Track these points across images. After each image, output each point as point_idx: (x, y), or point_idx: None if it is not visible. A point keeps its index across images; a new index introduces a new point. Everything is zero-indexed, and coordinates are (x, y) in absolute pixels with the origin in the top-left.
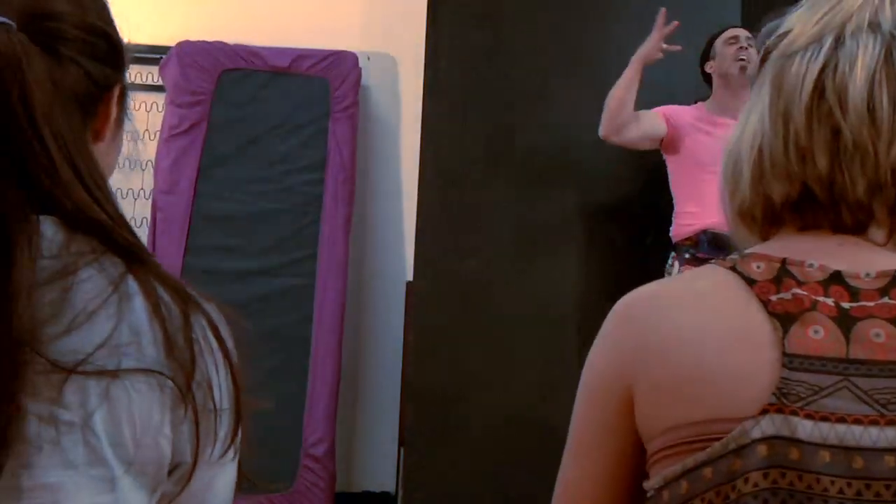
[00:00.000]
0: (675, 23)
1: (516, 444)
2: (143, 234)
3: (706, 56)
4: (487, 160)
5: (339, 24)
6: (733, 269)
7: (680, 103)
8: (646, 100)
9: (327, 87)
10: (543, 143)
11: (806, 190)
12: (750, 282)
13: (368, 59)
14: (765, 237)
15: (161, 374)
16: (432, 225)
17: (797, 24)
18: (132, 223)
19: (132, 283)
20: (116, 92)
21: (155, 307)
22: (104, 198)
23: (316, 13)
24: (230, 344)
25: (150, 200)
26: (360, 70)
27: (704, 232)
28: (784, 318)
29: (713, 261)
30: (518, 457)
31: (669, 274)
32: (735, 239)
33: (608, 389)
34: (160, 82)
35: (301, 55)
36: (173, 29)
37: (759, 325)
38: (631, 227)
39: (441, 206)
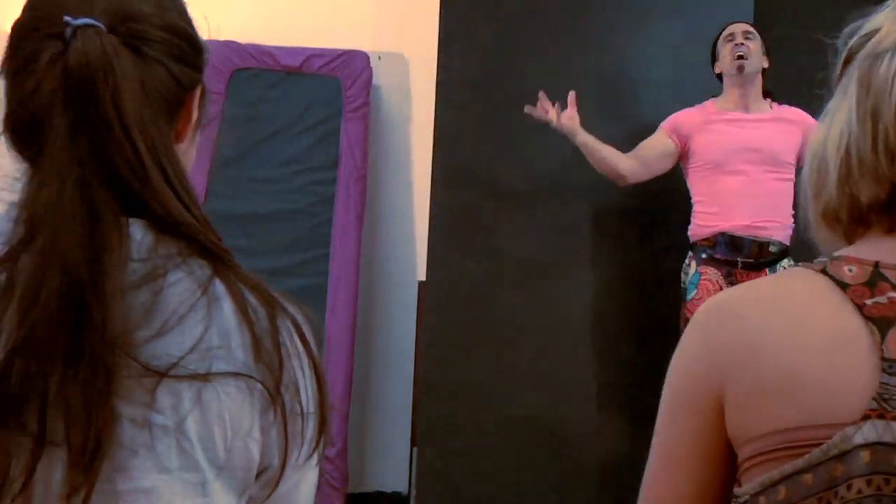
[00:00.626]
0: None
1: (529, 444)
2: None
3: (714, 58)
4: (500, 160)
5: (349, 24)
6: (823, 272)
7: (687, 102)
8: (654, 100)
9: (339, 86)
10: (556, 143)
11: (895, 190)
12: (842, 286)
13: (379, 58)
14: (850, 239)
15: (250, 377)
16: (444, 225)
17: (884, 24)
18: None
19: (219, 286)
20: (198, 93)
21: (243, 310)
22: (191, 200)
23: (327, 13)
24: (314, 346)
25: None
26: (371, 69)
27: (722, 234)
28: (881, 323)
29: (800, 264)
30: (530, 457)
31: (686, 274)
32: (817, 241)
33: (697, 396)
34: None
35: (313, 55)
36: None
37: (854, 329)
38: (642, 228)
39: (453, 207)
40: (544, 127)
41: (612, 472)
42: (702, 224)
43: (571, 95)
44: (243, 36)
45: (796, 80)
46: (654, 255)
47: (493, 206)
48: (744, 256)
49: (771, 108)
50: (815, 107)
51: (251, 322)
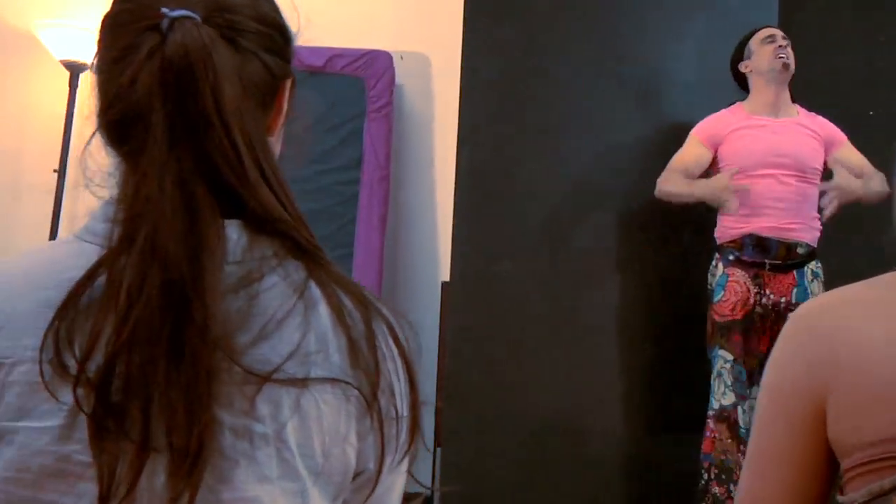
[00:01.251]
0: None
1: (553, 444)
2: None
3: (739, 56)
4: (524, 160)
5: (372, 24)
6: None
7: (712, 101)
8: (679, 99)
9: (363, 86)
10: (580, 143)
11: None
12: None
13: (402, 58)
14: None
15: (347, 383)
16: (468, 225)
17: None
18: None
19: (315, 290)
20: (288, 84)
21: (339, 314)
22: (285, 196)
23: (350, 12)
24: (408, 349)
25: None
26: (394, 69)
27: (749, 235)
28: None
29: None
30: (554, 457)
31: (713, 276)
32: None
33: (796, 403)
34: None
35: (336, 54)
36: None
37: None
38: (667, 229)
39: (477, 207)
40: (569, 126)
41: (636, 473)
42: (729, 226)
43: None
44: None
45: (818, 78)
46: (679, 256)
47: (517, 207)
48: (771, 258)
49: (797, 113)
50: (833, 104)
51: (347, 326)
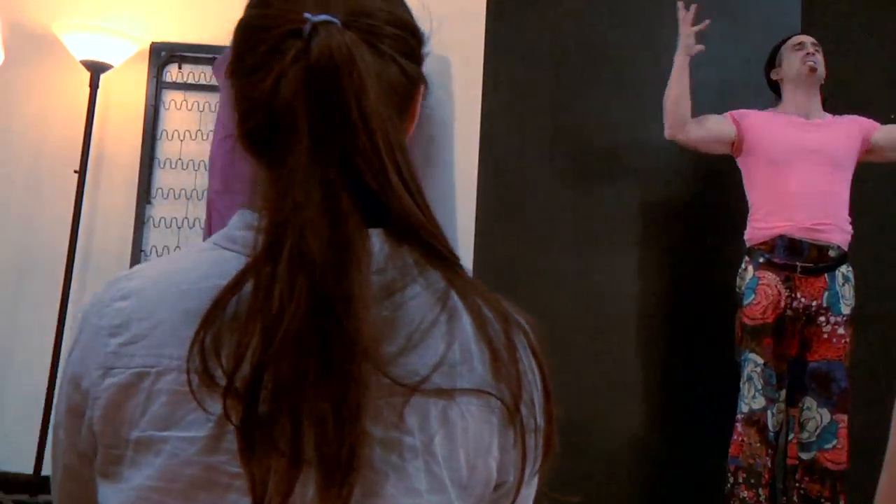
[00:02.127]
0: (695, 6)
1: (577, 442)
2: (197, 236)
3: (771, 64)
4: (546, 159)
5: None
6: None
7: (731, 104)
8: (698, 101)
9: None
10: (603, 141)
11: None
12: None
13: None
14: None
15: (491, 394)
16: (491, 224)
17: None
18: (184, 224)
19: (457, 300)
20: (422, 89)
21: (481, 325)
22: (424, 203)
23: None
24: (544, 359)
25: (202, 201)
26: None
27: (781, 237)
28: None
29: None
30: (579, 455)
31: (742, 279)
32: None
33: None
34: (213, 82)
35: None
36: (227, 28)
37: None
38: (691, 228)
39: (500, 206)
40: (591, 124)
41: (655, 473)
42: (760, 227)
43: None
44: None
45: (839, 82)
46: (703, 253)
47: (540, 206)
48: (803, 261)
49: (829, 117)
50: (854, 107)
51: (489, 337)
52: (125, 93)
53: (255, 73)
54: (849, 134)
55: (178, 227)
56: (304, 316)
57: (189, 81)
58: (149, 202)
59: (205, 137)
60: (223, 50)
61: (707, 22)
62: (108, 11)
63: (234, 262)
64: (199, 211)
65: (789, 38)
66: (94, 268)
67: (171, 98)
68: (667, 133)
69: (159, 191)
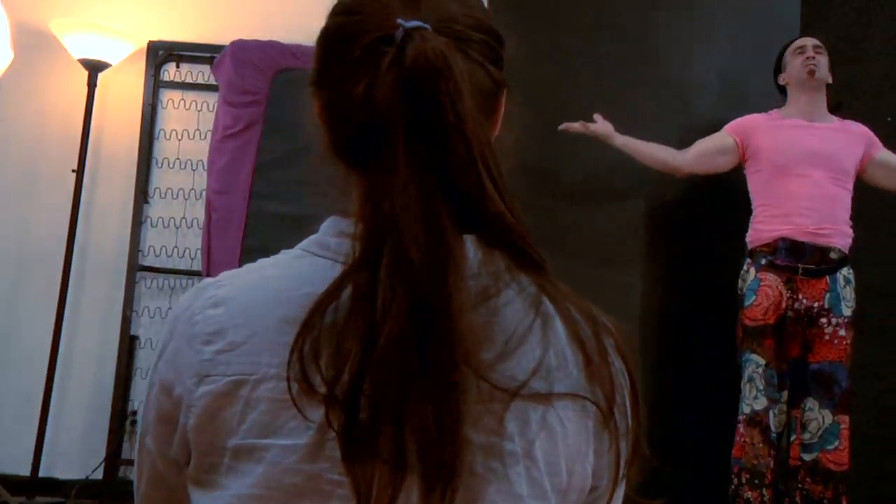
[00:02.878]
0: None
1: None
2: (195, 236)
3: (778, 69)
4: (549, 168)
5: None
6: None
7: (733, 107)
8: (700, 103)
9: None
10: (606, 149)
11: None
12: None
13: None
14: None
15: (587, 399)
16: None
17: None
18: (182, 223)
19: (549, 305)
20: (504, 92)
21: (573, 330)
22: (514, 208)
23: None
24: (632, 364)
25: (200, 201)
26: None
27: (783, 239)
28: None
29: None
30: None
31: (744, 281)
32: None
33: None
34: (212, 81)
35: None
36: (226, 27)
37: None
38: (699, 236)
39: None
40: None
41: (659, 475)
42: (762, 228)
43: (598, 116)
44: (285, 36)
45: (838, 84)
46: (712, 261)
47: (543, 216)
48: (805, 263)
49: (836, 120)
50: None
51: (582, 342)
52: (123, 92)
53: (346, 80)
54: (853, 141)
55: (177, 227)
56: (405, 322)
57: (187, 80)
58: (146, 202)
59: (203, 137)
60: (221, 49)
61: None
62: (106, 10)
63: (328, 270)
64: (198, 211)
65: (793, 41)
66: (91, 267)
67: (169, 97)
68: (677, 176)
69: (157, 190)
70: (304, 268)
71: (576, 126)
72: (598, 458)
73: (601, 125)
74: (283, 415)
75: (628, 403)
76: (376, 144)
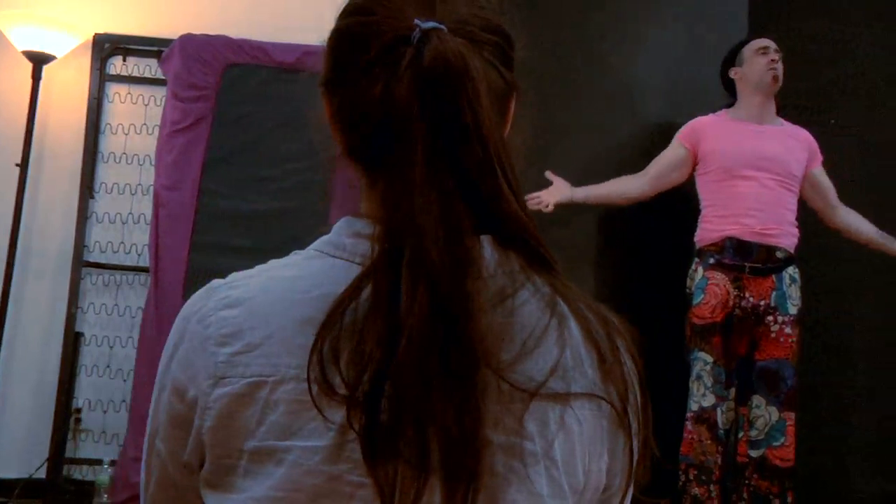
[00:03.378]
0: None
1: None
2: (142, 232)
3: (730, 62)
4: None
5: None
6: None
7: (684, 109)
8: (651, 105)
9: None
10: (560, 147)
11: None
12: None
13: None
14: None
15: (602, 398)
16: None
17: None
18: (129, 219)
19: (563, 305)
20: (515, 94)
21: (587, 330)
22: (527, 210)
23: (321, 9)
24: (642, 365)
25: (148, 196)
26: None
27: (730, 239)
28: None
29: None
30: None
31: (692, 280)
32: None
33: None
34: (159, 75)
35: (307, 51)
36: (173, 21)
37: None
38: (648, 234)
39: None
40: (548, 131)
41: None
42: (710, 228)
43: (548, 174)
44: (234, 31)
45: (785, 87)
46: (661, 258)
47: None
48: (752, 261)
49: (782, 124)
50: (796, 114)
51: (596, 342)
52: (68, 85)
53: (362, 81)
54: (800, 147)
55: (123, 223)
56: (426, 324)
57: (134, 74)
58: (92, 197)
59: (150, 132)
60: (169, 43)
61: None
62: (51, 2)
63: (345, 270)
64: (145, 206)
65: (753, 38)
66: (35, 263)
67: (116, 91)
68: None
69: (103, 185)
70: (320, 268)
71: (537, 204)
72: (611, 458)
73: (556, 190)
74: (303, 416)
75: (639, 403)
76: (393, 145)
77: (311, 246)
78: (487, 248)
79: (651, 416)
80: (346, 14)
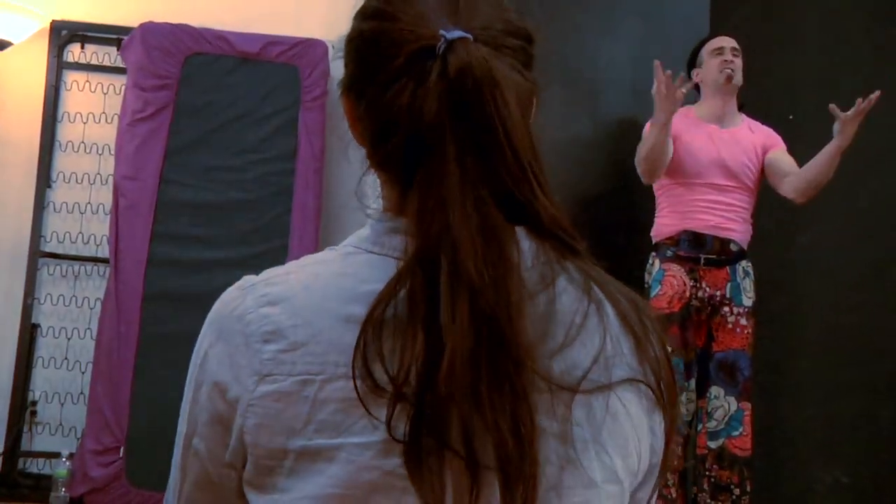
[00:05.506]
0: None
1: None
2: (101, 222)
3: (692, 63)
4: None
5: (307, 11)
6: None
7: (644, 104)
8: (611, 100)
9: (297, 75)
10: None
11: None
12: None
13: (333, 47)
14: None
15: (641, 381)
16: None
17: None
18: (87, 209)
19: (597, 290)
20: (536, 95)
21: (623, 314)
22: (561, 209)
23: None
24: (667, 346)
25: (106, 186)
26: (328, 59)
27: (685, 231)
28: None
29: None
30: None
31: (650, 273)
32: None
33: None
34: (119, 63)
35: (270, 41)
36: (135, 9)
37: None
38: (602, 229)
39: None
40: None
41: None
42: (666, 224)
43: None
44: (196, 19)
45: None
46: (616, 253)
47: None
48: (706, 253)
49: (742, 121)
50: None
51: (631, 324)
52: (24, 72)
53: (389, 89)
54: (755, 148)
55: (81, 213)
56: (470, 332)
57: (92, 62)
58: (49, 186)
59: (109, 121)
60: (128, 31)
61: (690, 83)
62: None
63: (386, 267)
64: (103, 196)
65: (709, 38)
66: None
67: (73, 79)
68: (645, 181)
69: (60, 175)
70: (362, 265)
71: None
72: (652, 437)
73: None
74: (353, 414)
75: (669, 381)
76: (424, 157)
77: (346, 242)
78: (525, 241)
79: (677, 396)
80: (366, 16)
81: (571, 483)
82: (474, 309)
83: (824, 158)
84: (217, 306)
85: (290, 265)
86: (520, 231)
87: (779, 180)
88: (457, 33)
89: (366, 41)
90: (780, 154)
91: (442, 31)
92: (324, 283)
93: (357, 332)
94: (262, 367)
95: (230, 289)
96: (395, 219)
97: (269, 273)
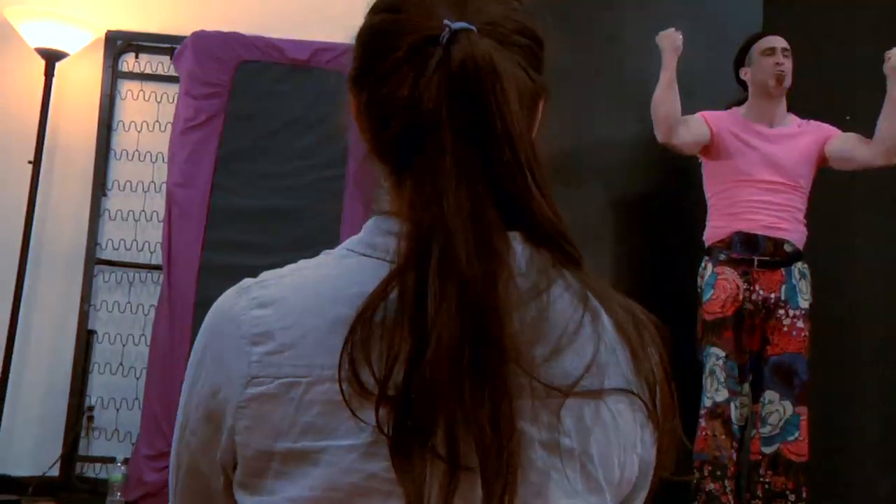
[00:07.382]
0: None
1: None
2: (155, 229)
3: (741, 61)
4: None
5: (357, 18)
6: None
7: (694, 105)
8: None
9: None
10: (565, 144)
11: None
12: None
13: None
14: None
15: (635, 393)
16: None
17: None
18: (142, 216)
19: (594, 299)
20: (544, 97)
21: (619, 324)
22: (556, 209)
23: (334, 5)
24: (667, 358)
25: (160, 193)
26: None
27: (737, 233)
28: None
29: None
30: None
31: (702, 277)
32: None
33: None
34: (172, 72)
35: (320, 48)
36: (188, 18)
37: None
38: (655, 230)
39: None
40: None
41: None
42: (718, 226)
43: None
44: (247, 28)
45: (799, 82)
46: (668, 255)
47: None
48: (760, 254)
49: (792, 122)
50: (813, 107)
51: (627, 335)
52: (81, 82)
53: (390, 80)
54: (808, 145)
55: (136, 220)
56: (455, 322)
57: (146, 72)
58: (104, 194)
59: (162, 129)
60: (181, 40)
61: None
62: None
63: (375, 269)
64: (157, 204)
65: (760, 36)
66: (48, 261)
67: (128, 88)
68: (660, 139)
69: (115, 183)
70: (353, 268)
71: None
72: (644, 451)
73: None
74: (337, 416)
75: (668, 395)
76: (421, 146)
77: (342, 245)
78: (518, 246)
79: (678, 406)
80: (375, 11)
81: (555, 492)
82: (462, 300)
83: (891, 108)
84: (215, 306)
85: (287, 268)
86: (515, 235)
87: (853, 156)
88: (461, 24)
89: (372, 34)
90: (839, 137)
91: (447, 22)
92: (314, 285)
93: (344, 334)
94: (250, 369)
95: (229, 290)
96: (388, 219)
97: (265, 275)
